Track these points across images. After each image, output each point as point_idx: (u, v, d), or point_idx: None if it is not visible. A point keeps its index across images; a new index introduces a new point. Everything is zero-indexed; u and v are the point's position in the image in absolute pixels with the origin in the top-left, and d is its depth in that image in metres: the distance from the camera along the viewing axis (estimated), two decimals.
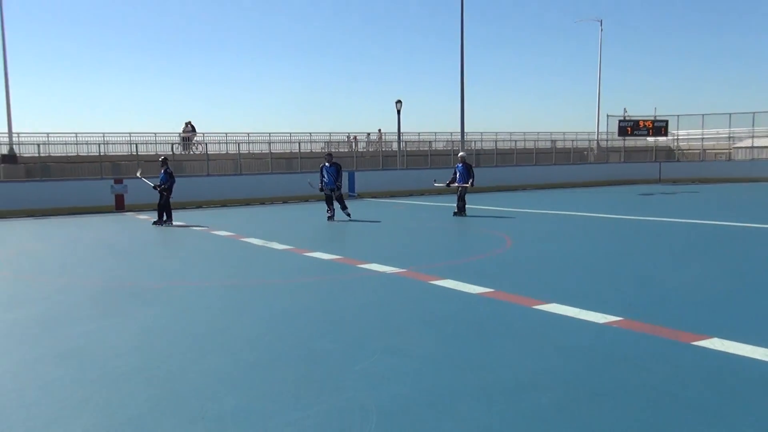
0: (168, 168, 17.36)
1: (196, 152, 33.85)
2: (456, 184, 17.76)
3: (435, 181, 21.07)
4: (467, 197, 18.07)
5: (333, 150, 36.66)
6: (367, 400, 4.39)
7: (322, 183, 17.17)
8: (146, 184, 18.14)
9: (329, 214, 17.03)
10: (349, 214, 16.99)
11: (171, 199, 17.31)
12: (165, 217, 17.05)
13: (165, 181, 17.10)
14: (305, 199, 25.07)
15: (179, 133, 35.07)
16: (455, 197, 18.07)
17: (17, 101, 77.39)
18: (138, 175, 18.81)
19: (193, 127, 35.37)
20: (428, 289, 8.19)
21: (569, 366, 5.06)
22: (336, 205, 17.22)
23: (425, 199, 25.19)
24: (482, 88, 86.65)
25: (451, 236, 14.56)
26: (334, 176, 17.00)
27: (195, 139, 35.00)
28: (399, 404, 4.34)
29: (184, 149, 34.65)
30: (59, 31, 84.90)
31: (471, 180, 17.41)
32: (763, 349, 5.30)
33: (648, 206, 20.76)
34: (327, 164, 17.24)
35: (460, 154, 18.52)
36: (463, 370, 5.02)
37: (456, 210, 17.59)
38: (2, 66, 28.76)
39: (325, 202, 17.42)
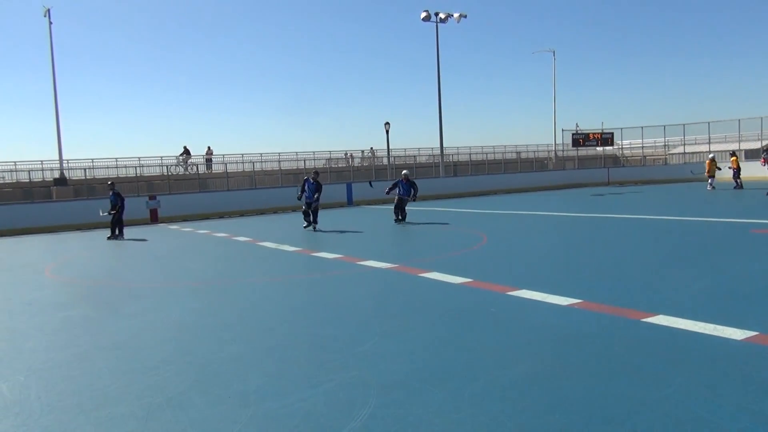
0: (115, 190, 16.57)
1: (191, 172, 32.30)
2: (398, 196, 16.83)
3: (370, 183, 22.44)
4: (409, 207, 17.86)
5: (333, 165, 36.68)
6: (369, 378, 4.34)
7: (302, 194, 16.21)
8: (108, 215, 16.57)
9: (305, 225, 16.16)
10: (315, 228, 16.01)
11: (123, 217, 16.61)
12: (117, 232, 16.34)
13: (115, 202, 16.36)
14: None
15: (177, 156, 33.34)
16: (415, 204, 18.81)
17: (66, 131, 77.02)
18: (101, 213, 17.12)
19: (188, 150, 33.55)
20: (418, 280, 8.14)
21: (540, 343, 5.03)
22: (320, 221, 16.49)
23: (413, 205, 25.13)
24: (457, 107, 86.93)
25: (435, 235, 14.52)
26: (313, 191, 16.03)
27: (190, 161, 33.33)
28: (396, 380, 4.29)
29: (185, 170, 32.90)
30: (100, 66, 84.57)
31: (414, 194, 16.83)
32: (702, 323, 5.29)
33: (600, 205, 20.78)
34: (310, 179, 16.32)
35: (404, 172, 17.43)
36: (451, 349, 4.98)
37: (397, 218, 16.75)
38: (53, 102, 28.61)
39: (302, 213, 16.48)
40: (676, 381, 3.99)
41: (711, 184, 25.56)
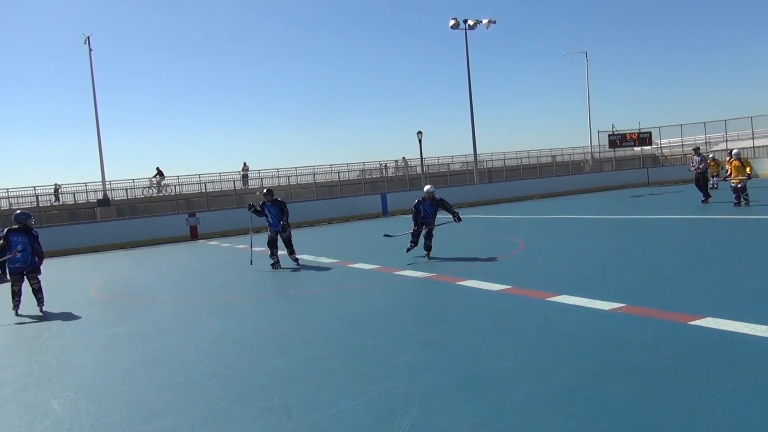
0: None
1: (166, 194, 30.82)
2: (422, 222, 11.31)
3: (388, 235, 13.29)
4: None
5: (367, 176, 36.73)
6: (409, 388, 4.32)
7: (268, 224, 12.30)
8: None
9: (273, 261, 11.95)
10: (297, 260, 12.00)
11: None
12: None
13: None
14: (347, 220, 25.15)
15: (150, 178, 32.06)
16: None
17: (107, 153, 79.49)
18: None
19: (161, 172, 32.31)
20: (455, 288, 8.08)
21: (582, 349, 4.93)
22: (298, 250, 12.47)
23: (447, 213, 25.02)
24: (490, 113, 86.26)
25: (471, 242, 14.41)
26: (278, 216, 11.99)
27: (163, 182, 32.15)
28: (436, 389, 4.26)
29: (158, 192, 31.45)
30: (138, 87, 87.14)
31: (454, 216, 11.26)
32: (753, 324, 5.10)
33: (639, 206, 20.32)
34: (267, 202, 12.14)
35: (426, 188, 11.54)
36: (490, 357, 4.92)
37: (422, 249, 11.37)
38: (95, 124, 29.58)
39: (267, 245, 12.13)
40: (728, 385, 3.86)
41: (715, 184, 23.42)
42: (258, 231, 15.70)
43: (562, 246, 12.16)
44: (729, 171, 16.75)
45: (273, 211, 12.09)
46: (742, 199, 16.23)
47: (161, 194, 31.45)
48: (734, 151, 16.90)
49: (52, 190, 30.79)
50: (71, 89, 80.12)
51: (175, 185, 31.51)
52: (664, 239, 11.72)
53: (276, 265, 11.91)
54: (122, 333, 7.22)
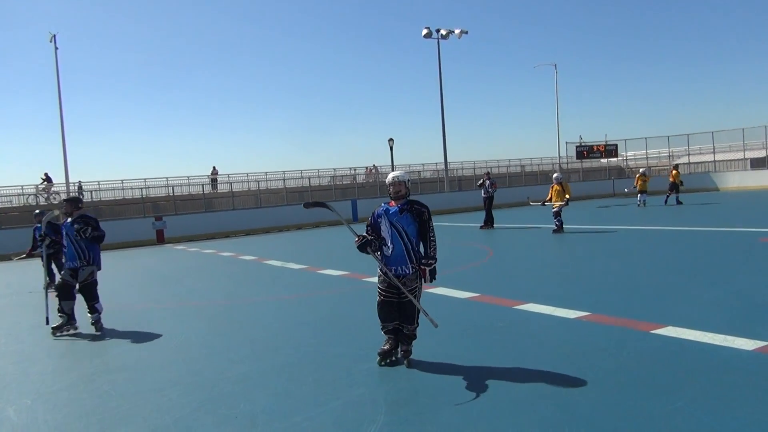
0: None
1: (54, 202, 27.74)
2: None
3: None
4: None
5: (338, 183, 36.65)
6: (376, 395, 4.31)
7: (61, 255, 9.32)
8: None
9: (60, 320, 7.33)
10: (98, 320, 7.46)
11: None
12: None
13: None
14: (316, 226, 25.04)
15: (36, 185, 29.97)
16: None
17: (72, 153, 77.65)
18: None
19: (49, 178, 30.12)
20: (423, 296, 8.09)
21: (548, 356, 4.99)
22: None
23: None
24: (461, 122, 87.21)
25: (440, 250, 14.48)
26: (79, 244, 7.53)
27: (52, 189, 29.96)
28: (403, 397, 4.26)
29: (47, 199, 28.66)
30: (104, 87, 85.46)
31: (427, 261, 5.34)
32: (712, 334, 5.24)
33: (605, 217, 20.73)
34: (66, 220, 7.71)
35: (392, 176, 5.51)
36: (457, 364, 4.94)
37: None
38: (60, 125, 28.89)
39: (55, 290, 7.68)
40: (687, 393, 3.95)
41: (642, 200, 23.80)
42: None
43: (530, 255, 12.31)
44: (549, 195, 16.29)
45: (72, 232, 7.53)
46: (557, 224, 15.55)
47: (48, 202, 28.17)
48: (555, 176, 16.48)
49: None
50: (35, 88, 78.27)
51: (141, 188, 30.95)
52: (628, 249, 11.96)
53: (66, 327, 7.31)
54: (84, 338, 7.04)
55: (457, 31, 33.18)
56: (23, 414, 4.48)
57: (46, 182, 30.14)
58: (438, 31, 32.84)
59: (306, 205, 5.60)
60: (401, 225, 5.03)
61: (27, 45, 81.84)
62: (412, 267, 5.04)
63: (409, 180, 5.27)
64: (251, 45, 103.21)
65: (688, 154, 40.66)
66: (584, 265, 10.35)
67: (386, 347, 5.07)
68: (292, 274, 11.41)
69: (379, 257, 5.16)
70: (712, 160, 38.32)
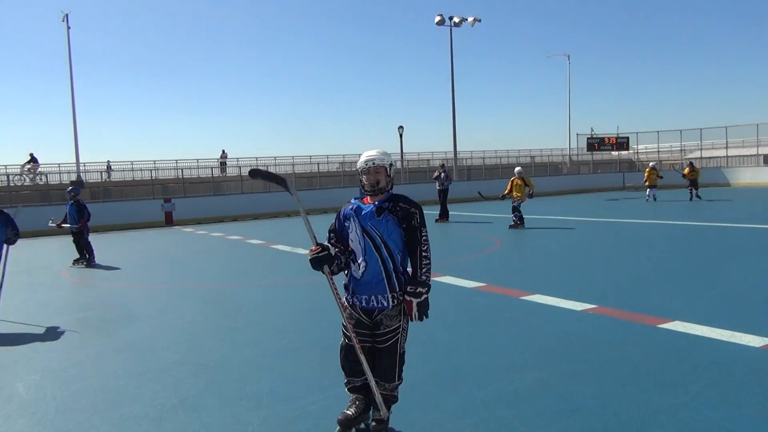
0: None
1: (40, 183, 28.27)
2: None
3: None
4: None
5: (347, 169, 36.63)
6: None
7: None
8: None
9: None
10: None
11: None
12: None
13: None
14: (324, 211, 25.05)
15: (21, 165, 29.05)
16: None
17: (83, 134, 77.99)
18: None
19: (35, 158, 29.39)
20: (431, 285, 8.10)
21: (553, 348, 4.99)
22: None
23: (424, 208, 25.09)
24: (471, 111, 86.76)
25: (449, 239, 14.49)
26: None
27: (38, 170, 29.52)
28: (409, 384, 4.26)
29: (32, 180, 28.67)
30: (116, 70, 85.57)
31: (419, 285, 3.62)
32: (719, 329, 5.22)
33: (614, 210, 20.62)
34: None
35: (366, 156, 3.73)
36: (462, 353, 4.96)
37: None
38: (71, 105, 29.01)
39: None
40: (693, 388, 3.94)
41: (651, 195, 23.38)
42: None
43: (537, 246, 12.28)
44: (508, 189, 15.97)
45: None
46: (515, 219, 15.39)
47: (34, 183, 28.46)
48: (516, 170, 16.17)
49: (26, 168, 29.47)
50: (47, 68, 78.46)
51: (151, 170, 31.08)
52: (637, 243, 11.91)
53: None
54: (93, 318, 7.11)
55: (470, 19, 32.91)
56: (32, 390, 4.54)
57: (32, 162, 29.39)
58: (451, 18, 32.57)
59: (252, 173, 3.52)
60: (378, 232, 3.37)
61: (40, 24, 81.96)
62: (393, 297, 3.41)
63: (392, 165, 3.54)
64: (261, 32, 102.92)
65: (701, 149, 40.28)
66: (592, 257, 10.32)
67: (350, 412, 3.47)
68: (300, 259, 11.44)
69: (346, 281, 3.53)
70: (725, 155, 37.94)
